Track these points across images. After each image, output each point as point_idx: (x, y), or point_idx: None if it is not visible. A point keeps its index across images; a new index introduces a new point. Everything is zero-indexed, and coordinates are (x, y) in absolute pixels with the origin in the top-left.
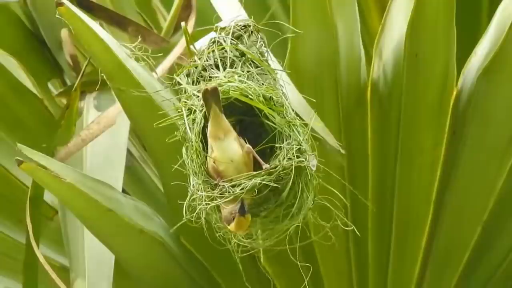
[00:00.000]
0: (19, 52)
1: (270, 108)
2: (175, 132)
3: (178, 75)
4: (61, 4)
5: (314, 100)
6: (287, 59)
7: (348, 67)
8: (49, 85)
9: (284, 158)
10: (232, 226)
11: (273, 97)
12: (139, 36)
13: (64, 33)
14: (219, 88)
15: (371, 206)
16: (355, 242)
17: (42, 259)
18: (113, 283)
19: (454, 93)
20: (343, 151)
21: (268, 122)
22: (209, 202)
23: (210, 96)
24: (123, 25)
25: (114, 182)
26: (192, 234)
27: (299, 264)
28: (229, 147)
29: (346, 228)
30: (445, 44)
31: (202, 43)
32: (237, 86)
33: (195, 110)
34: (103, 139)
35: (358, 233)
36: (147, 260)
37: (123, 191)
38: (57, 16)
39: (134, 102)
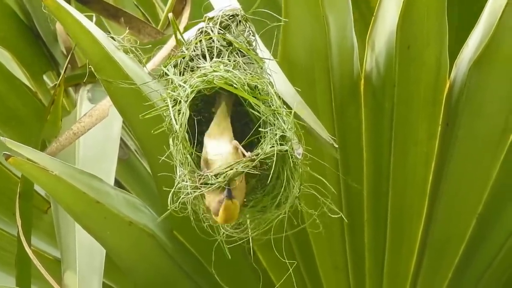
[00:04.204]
0: (13, 45)
1: (254, 97)
2: (162, 124)
3: (165, 66)
4: None
5: (305, 93)
6: (279, 50)
7: (340, 59)
8: (45, 77)
9: (267, 145)
10: (220, 213)
11: (258, 85)
12: (134, 29)
13: (59, 25)
14: (204, 78)
15: (366, 198)
16: (351, 234)
17: (31, 255)
18: (104, 276)
19: (447, 85)
20: (336, 145)
21: (253, 111)
22: (193, 191)
23: (224, 96)
24: (118, 18)
25: (106, 175)
26: (184, 226)
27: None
28: (220, 145)
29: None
30: (437, 36)
31: (190, 34)
32: (221, 76)
33: (180, 100)
34: (96, 131)
35: (352, 226)
36: (137, 252)
37: (119, 184)
38: (42, 9)
39: (123, 93)
